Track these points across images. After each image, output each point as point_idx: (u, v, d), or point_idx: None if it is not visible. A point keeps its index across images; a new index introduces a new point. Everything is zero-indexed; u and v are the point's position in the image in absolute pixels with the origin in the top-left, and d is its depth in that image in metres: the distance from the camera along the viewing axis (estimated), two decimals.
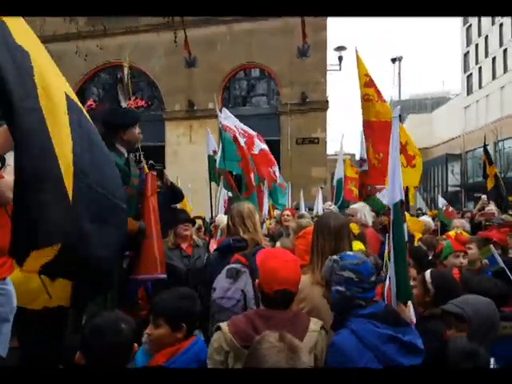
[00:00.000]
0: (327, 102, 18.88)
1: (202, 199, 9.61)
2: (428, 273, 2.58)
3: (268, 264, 2.06)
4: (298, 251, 2.89)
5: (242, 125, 8.51)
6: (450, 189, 36.90)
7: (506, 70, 31.51)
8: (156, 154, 19.45)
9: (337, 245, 2.41)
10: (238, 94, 20.83)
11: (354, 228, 4.58)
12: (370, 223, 5.09)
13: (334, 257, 2.05)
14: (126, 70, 4.58)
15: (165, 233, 4.06)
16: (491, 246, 3.28)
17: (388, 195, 2.66)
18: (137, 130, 3.18)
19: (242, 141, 7.82)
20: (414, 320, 2.57)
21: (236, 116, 9.17)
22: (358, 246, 3.27)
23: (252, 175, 6.96)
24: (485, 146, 10.89)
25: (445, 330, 2.19)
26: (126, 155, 3.11)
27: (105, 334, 1.71)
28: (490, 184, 9.94)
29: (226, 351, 1.91)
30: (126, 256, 3.26)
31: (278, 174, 9.11)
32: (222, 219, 4.82)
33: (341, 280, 1.95)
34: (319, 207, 8.18)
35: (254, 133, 8.71)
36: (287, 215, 6.15)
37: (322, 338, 1.99)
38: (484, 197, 7.46)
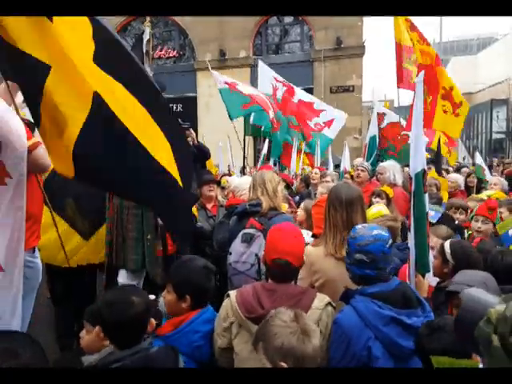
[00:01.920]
0: (364, 46, 17.96)
1: (235, 153, 9.68)
2: (448, 243, 2.50)
3: (270, 235, 2.10)
4: (315, 220, 2.89)
5: (280, 76, 8.44)
6: (494, 136, 35.05)
7: None
8: (189, 106, 19.46)
9: (349, 217, 2.38)
10: (271, 41, 20.14)
11: (388, 190, 4.49)
12: (400, 182, 4.98)
13: (350, 235, 2.02)
14: (147, 30, 4.46)
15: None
16: None
17: (411, 164, 2.58)
18: None
19: (281, 92, 7.86)
20: (434, 284, 2.57)
21: (270, 64, 8.97)
22: (378, 213, 3.24)
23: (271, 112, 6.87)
24: None
25: (450, 311, 2.14)
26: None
27: (115, 307, 1.78)
28: None
29: (231, 319, 1.99)
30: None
31: (323, 124, 8.72)
32: (234, 180, 4.89)
33: (354, 262, 1.97)
34: (346, 163, 7.92)
35: (291, 85, 8.60)
36: (315, 173, 6.06)
37: (327, 314, 1.98)
38: None
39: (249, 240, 2.71)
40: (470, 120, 38.97)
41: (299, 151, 8.18)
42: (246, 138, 7.98)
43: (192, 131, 5.73)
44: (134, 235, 3.18)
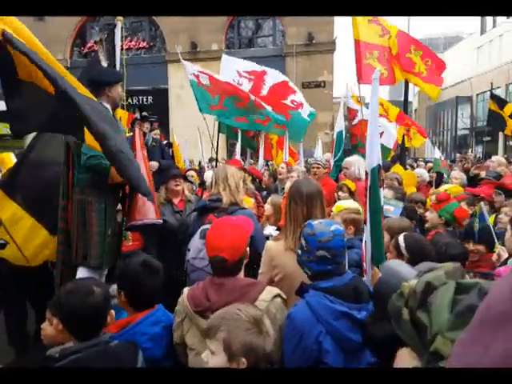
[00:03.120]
0: (335, 43, 18.17)
1: (207, 147, 9.60)
2: (401, 237, 2.57)
3: (208, 232, 2.10)
4: (283, 212, 2.92)
5: (247, 65, 8.04)
6: (459, 132, 36.19)
7: None
8: (159, 98, 19.19)
9: (309, 211, 2.41)
10: (244, 35, 20.05)
11: (350, 184, 4.61)
12: (364, 176, 5.09)
13: (308, 222, 2.05)
14: (119, 25, 4.34)
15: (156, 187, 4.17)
16: (482, 203, 3.29)
17: (366, 160, 2.65)
18: (119, 89, 3.25)
19: (247, 87, 7.57)
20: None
21: (242, 58, 8.69)
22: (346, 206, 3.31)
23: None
24: (491, 90, 10.36)
25: None
26: (111, 112, 3.17)
27: (77, 294, 1.76)
28: (509, 129, 9.21)
29: (184, 314, 2.01)
30: (119, 210, 3.39)
31: (299, 100, 8.47)
32: (209, 175, 4.87)
33: (299, 244, 2.00)
34: (318, 158, 8.07)
35: (263, 68, 8.21)
36: (282, 168, 6.09)
37: (274, 306, 1.98)
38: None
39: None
40: (436, 116, 40.07)
41: (278, 143, 8.13)
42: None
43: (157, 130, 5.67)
44: (98, 231, 3.14)
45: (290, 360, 1.88)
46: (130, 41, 19.60)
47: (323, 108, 18.58)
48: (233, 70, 7.80)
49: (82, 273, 3.04)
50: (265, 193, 5.55)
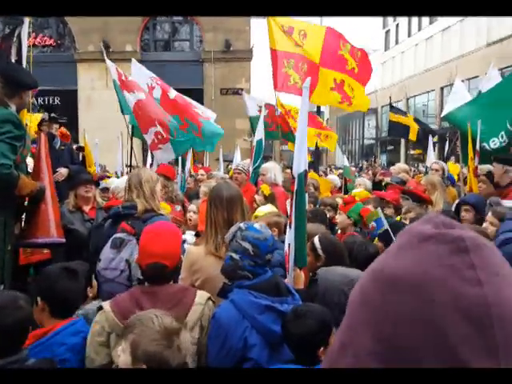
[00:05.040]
0: (252, 51, 18.50)
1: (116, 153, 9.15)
2: (317, 239, 2.68)
3: (143, 238, 2.04)
4: (201, 216, 2.87)
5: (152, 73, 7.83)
6: (365, 142, 38.91)
7: (420, 28, 32.84)
8: (68, 99, 17.97)
9: (229, 215, 2.41)
10: (160, 37, 19.59)
11: (265, 189, 4.69)
12: (280, 182, 5.20)
13: (241, 224, 2.08)
14: (26, 22, 3.92)
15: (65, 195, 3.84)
16: (378, 209, 3.52)
17: (294, 165, 2.70)
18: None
19: (158, 92, 7.33)
20: None
21: (157, 61, 8.43)
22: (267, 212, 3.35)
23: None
24: (391, 103, 11.25)
25: None
26: (17, 115, 2.88)
27: (6, 310, 1.66)
28: (413, 134, 9.93)
29: (108, 332, 1.86)
30: (18, 221, 3.08)
31: (204, 113, 8.34)
32: (114, 181, 4.64)
33: (238, 249, 1.99)
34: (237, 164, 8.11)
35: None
36: (201, 174, 6.01)
37: (209, 308, 2.01)
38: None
39: (118, 245, 2.55)
40: (345, 126, 42.72)
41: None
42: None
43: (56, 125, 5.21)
44: None
45: (214, 361, 1.89)
46: (35, 37, 18.13)
47: (241, 115, 18.77)
48: (144, 74, 7.53)
49: None
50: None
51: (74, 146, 6.90)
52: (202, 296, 2.02)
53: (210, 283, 2.27)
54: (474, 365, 0.48)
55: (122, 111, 6.14)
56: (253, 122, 7.31)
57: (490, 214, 3.40)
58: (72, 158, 5.06)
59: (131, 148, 6.73)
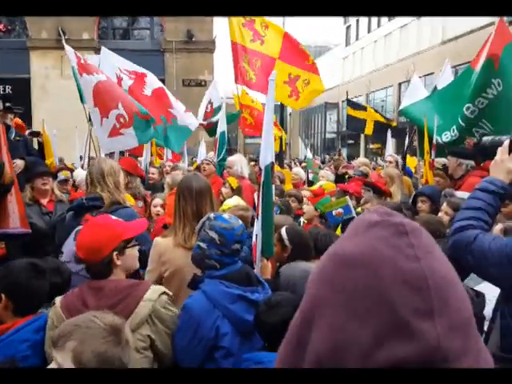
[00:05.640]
0: (214, 42, 18.31)
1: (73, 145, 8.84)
2: (284, 230, 2.72)
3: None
4: (169, 209, 2.84)
5: (127, 65, 7.55)
6: (327, 136, 39.55)
7: (379, 24, 33.58)
8: (20, 88, 17.13)
9: (198, 207, 2.41)
10: (118, 25, 19.01)
11: (233, 181, 4.67)
12: (247, 175, 5.20)
13: (211, 214, 2.10)
14: None
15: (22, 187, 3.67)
16: (347, 197, 3.63)
17: (261, 157, 2.72)
18: None
19: (127, 83, 7.13)
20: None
21: (115, 50, 8.11)
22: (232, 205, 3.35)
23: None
24: (347, 98, 11.47)
25: None
26: None
27: None
28: (369, 128, 10.05)
29: (57, 327, 1.76)
30: None
31: (181, 113, 8.20)
32: (79, 173, 4.48)
33: (205, 238, 2.02)
34: (202, 157, 8.04)
35: (143, 71, 7.77)
36: (169, 166, 5.92)
37: (161, 304, 1.93)
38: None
39: None
40: (308, 120, 43.23)
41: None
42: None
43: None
44: None
45: (184, 352, 1.89)
46: None
47: None
48: (113, 64, 7.29)
49: None
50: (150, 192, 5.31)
51: (27, 132, 6.59)
52: (154, 291, 1.94)
53: (179, 274, 2.26)
54: (414, 324, 0.58)
55: (82, 100, 5.90)
56: (218, 112, 7.27)
57: (445, 204, 3.56)
58: (28, 150, 4.84)
59: (90, 138, 6.51)
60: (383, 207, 0.71)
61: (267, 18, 6.63)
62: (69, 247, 2.50)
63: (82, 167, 6.54)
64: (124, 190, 2.90)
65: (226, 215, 2.12)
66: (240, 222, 2.12)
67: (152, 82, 7.71)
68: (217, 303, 1.94)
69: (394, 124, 10.80)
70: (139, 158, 7.64)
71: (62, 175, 4.79)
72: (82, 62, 5.55)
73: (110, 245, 1.92)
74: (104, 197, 2.68)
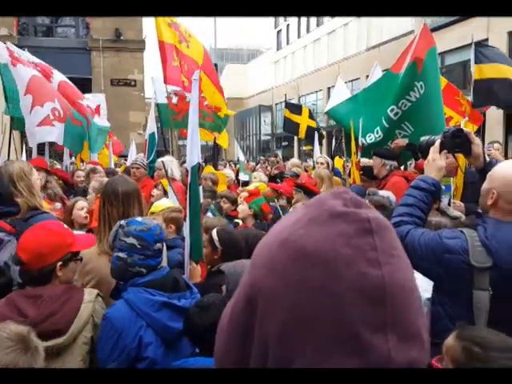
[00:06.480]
0: (144, 42, 17.85)
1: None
2: (215, 232, 2.67)
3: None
4: (95, 213, 2.70)
5: (34, 59, 7.07)
6: (262, 137, 40.12)
7: (308, 30, 34.68)
8: None
9: (126, 211, 2.29)
10: (40, 22, 17.89)
11: (166, 184, 4.56)
12: (178, 177, 5.11)
13: (122, 222, 1.99)
14: None
15: None
16: (276, 201, 3.72)
17: (187, 158, 2.68)
18: None
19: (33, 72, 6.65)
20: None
21: (37, 47, 7.59)
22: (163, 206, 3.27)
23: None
24: (286, 100, 11.80)
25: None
26: None
27: None
28: (302, 132, 10.16)
29: None
30: None
31: (93, 109, 7.77)
32: None
33: (123, 246, 1.92)
34: (132, 158, 7.78)
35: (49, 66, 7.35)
36: (89, 168, 5.62)
37: (99, 304, 1.95)
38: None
39: None
40: (242, 122, 43.60)
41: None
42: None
43: None
44: None
45: (106, 363, 1.81)
46: None
47: (135, 108, 18.05)
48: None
49: None
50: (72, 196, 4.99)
51: None
52: (90, 293, 1.94)
53: (104, 284, 2.15)
54: (365, 337, 0.54)
55: (6, 100, 5.48)
56: (161, 109, 6.97)
57: (367, 202, 3.74)
58: None
59: (10, 141, 6.04)
60: (348, 191, 0.63)
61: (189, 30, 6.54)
62: None
63: None
64: (39, 193, 2.68)
65: (138, 218, 2.03)
66: (155, 221, 2.05)
67: (57, 75, 7.36)
68: (140, 311, 1.86)
69: (323, 132, 11.16)
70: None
71: None
72: (16, 55, 5.46)
73: (57, 254, 1.86)
74: (20, 202, 2.48)
